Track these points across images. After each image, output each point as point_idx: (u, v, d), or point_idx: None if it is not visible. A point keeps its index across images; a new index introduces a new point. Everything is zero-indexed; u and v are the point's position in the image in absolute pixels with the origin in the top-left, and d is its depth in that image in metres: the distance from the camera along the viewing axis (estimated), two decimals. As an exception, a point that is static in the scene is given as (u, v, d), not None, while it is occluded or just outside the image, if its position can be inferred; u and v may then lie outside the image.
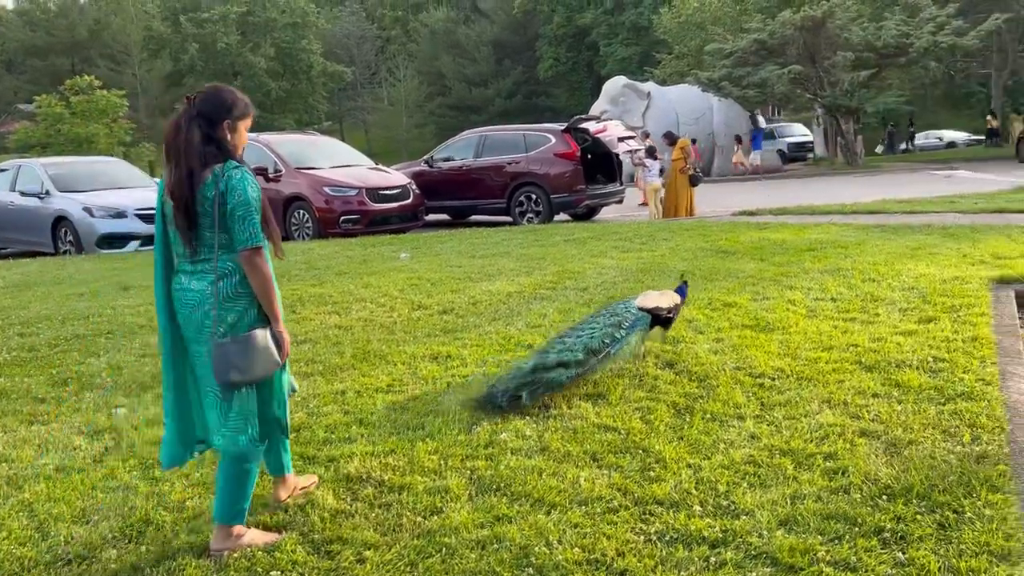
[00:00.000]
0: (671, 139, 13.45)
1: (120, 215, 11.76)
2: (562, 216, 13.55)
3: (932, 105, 40.06)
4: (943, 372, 4.11)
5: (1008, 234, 8.20)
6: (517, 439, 3.50)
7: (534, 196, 13.09)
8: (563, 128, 13.30)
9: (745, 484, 3.02)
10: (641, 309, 4.42)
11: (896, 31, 21.51)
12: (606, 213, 14.54)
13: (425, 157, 14.81)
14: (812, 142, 32.56)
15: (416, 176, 13.88)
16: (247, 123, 2.69)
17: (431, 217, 14.28)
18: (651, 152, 13.37)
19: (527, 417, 3.75)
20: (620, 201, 14.20)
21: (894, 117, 38.39)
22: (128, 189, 12.67)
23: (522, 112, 52.44)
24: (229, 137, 2.61)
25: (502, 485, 3.06)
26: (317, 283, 7.43)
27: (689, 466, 3.18)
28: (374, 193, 12.24)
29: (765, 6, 28.76)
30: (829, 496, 2.89)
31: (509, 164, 13.36)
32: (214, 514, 2.69)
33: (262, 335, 2.60)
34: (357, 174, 12.62)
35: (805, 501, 2.85)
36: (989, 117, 34.78)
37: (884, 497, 2.85)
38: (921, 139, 39.06)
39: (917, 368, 4.17)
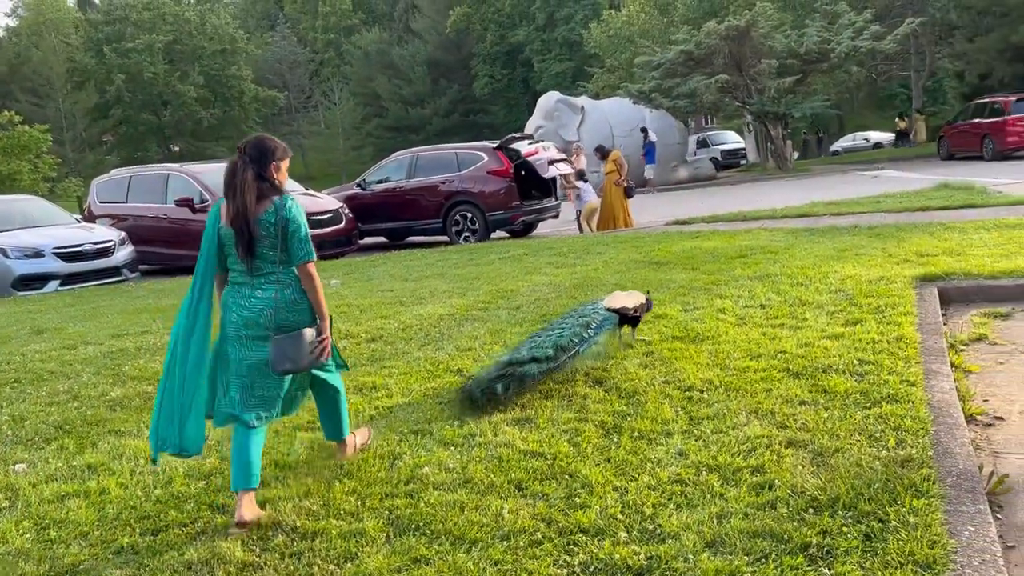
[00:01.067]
0: (603, 152, 13.48)
1: (37, 255, 11.29)
2: (500, 233, 13.49)
3: (857, 108, 41.28)
4: (869, 375, 4.10)
5: (931, 232, 8.37)
6: (440, 472, 3.36)
7: (469, 215, 13.00)
8: (495, 146, 13.26)
9: (672, 505, 2.93)
10: (608, 310, 4.72)
11: (817, 37, 22.09)
12: (543, 228, 14.52)
13: (358, 180, 14.63)
14: (744, 149, 33.20)
15: (349, 200, 13.67)
16: (286, 163, 3.30)
17: (367, 240, 14.08)
18: (581, 175, 13.32)
19: (451, 447, 3.62)
20: (556, 216, 14.19)
21: (821, 121, 39.49)
22: (46, 227, 12.18)
23: (460, 130, 52.49)
24: (276, 175, 3.21)
25: (421, 524, 2.92)
26: (243, 316, 7.19)
27: (615, 489, 3.09)
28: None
29: (691, 17, 29.33)
30: (756, 513, 2.82)
31: (443, 183, 13.26)
32: (330, 434, 3.54)
33: (310, 332, 3.19)
34: (287, 200, 12.36)
35: (732, 520, 2.77)
36: (897, 119, 36.20)
37: (811, 510, 2.79)
38: (848, 141, 40.23)
39: (843, 372, 4.16)
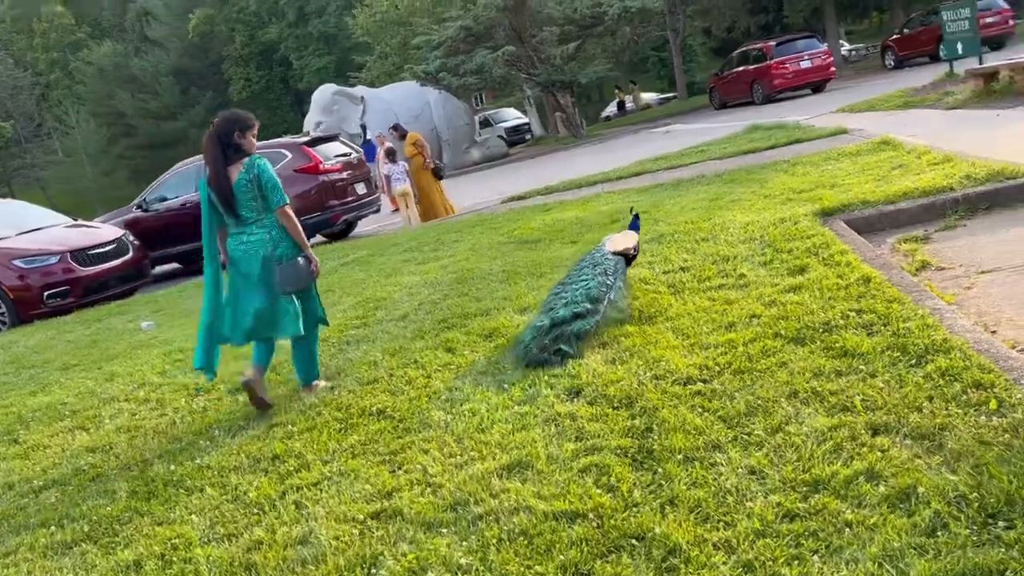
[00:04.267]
0: (400, 132, 12.40)
1: None
2: (318, 238, 12.07)
3: (623, 71, 42.92)
4: (876, 326, 3.51)
5: (784, 170, 8.20)
6: (451, 575, 2.29)
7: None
8: (301, 141, 11.78)
9: (811, 556, 2.09)
10: (614, 254, 4.53)
11: (590, 1, 22.23)
12: (365, 226, 13.24)
13: (137, 201, 12.49)
14: (528, 124, 33.32)
15: (131, 225, 11.64)
16: (253, 132, 4.00)
17: (160, 269, 12.12)
18: (390, 154, 12.09)
19: (443, 529, 2.55)
20: (378, 210, 12.90)
21: (584, 90, 40.83)
22: None
23: (224, 139, 48.89)
24: (242, 142, 3.93)
25: None
26: (38, 388, 5.50)
27: (718, 548, 2.20)
28: (82, 255, 9.93)
29: (458, -7, 28.71)
30: (928, 542, 2.05)
31: (242, 191, 11.56)
32: (301, 381, 4.25)
33: (302, 260, 4.02)
34: (55, 236, 10.20)
35: (909, 562, 1.99)
36: (617, 90, 38.70)
37: (998, 524, 2.07)
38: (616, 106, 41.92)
39: (848, 328, 3.54)
